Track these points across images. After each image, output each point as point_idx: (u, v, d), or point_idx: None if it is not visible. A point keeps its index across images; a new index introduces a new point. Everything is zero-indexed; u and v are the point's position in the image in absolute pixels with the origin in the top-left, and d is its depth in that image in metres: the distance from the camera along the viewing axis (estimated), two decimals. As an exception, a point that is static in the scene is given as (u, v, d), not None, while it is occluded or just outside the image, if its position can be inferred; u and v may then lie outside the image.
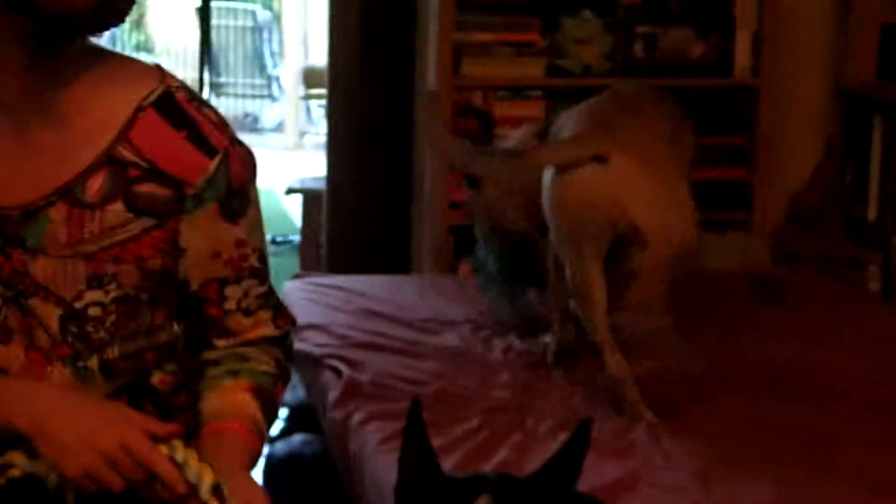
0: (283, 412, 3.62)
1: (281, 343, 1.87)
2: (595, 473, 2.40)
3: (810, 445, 2.75)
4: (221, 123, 1.76)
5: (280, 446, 3.38)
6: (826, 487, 2.49)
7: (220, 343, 1.84)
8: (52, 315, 1.72)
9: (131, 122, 1.70)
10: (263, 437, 1.81)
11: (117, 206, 1.69)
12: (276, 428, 3.58)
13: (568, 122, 3.08)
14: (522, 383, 3.15)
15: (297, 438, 3.42)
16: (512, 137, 3.61)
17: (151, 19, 11.23)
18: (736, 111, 4.39)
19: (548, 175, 2.90)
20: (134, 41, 11.00)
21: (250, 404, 1.78)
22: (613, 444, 2.71)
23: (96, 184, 1.69)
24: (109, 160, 1.69)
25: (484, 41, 4.28)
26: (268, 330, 1.85)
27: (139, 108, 1.70)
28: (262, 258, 1.83)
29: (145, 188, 1.70)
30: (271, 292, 1.86)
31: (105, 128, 1.70)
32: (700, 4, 4.45)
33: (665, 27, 4.40)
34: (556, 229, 2.91)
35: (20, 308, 1.72)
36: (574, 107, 3.23)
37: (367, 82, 4.56)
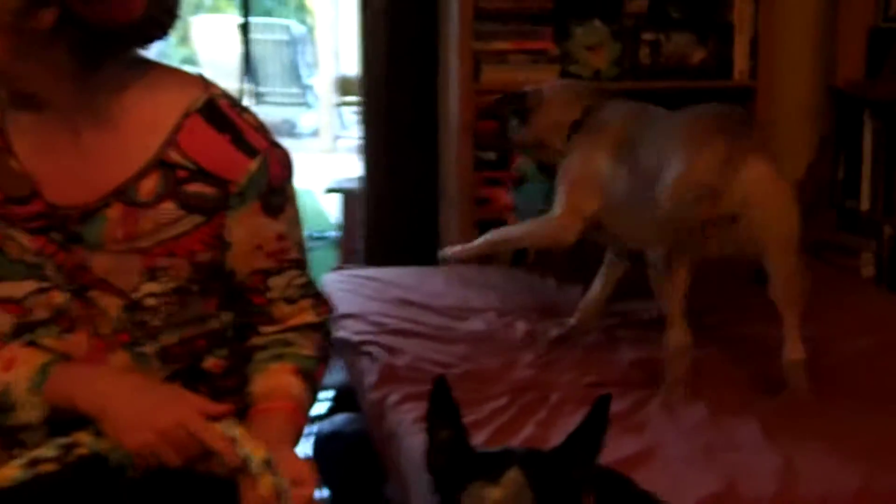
0: (327, 394, 3.64)
1: (321, 329, 1.88)
2: (612, 447, 2.36)
3: (811, 417, 2.74)
4: (261, 127, 1.77)
5: (324, 425, 3.39)
6: (825, 455, 2.48)
7: (266, 329, 1.85)
8: (112, 305, 1.73)
9: (179, 127, 1.71)
10: (307, 415, 1.83)
11: (168, 205, 1.71)
12: (321, 408, 3.59)
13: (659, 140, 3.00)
14: (544, 363, 3.15)
15: (340, 418, 3.44)
16: (549, 94, 3.51)
17: (196, 35, 11.24)
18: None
19: (675, 168, 2.83)
20: (180, 55, 11.02)
21: (295, 385, 1.79)
22: (629, 420, 2.71)
23: (149, 185, 1.70)
24: (160, 163, 1.71)
25: (501, 49, 4.27)
26: (309, 317, 1.86)
27: (186, 114, 1.72)
28: (302, 250, 1.85)
29: (193, 188, 1.71)
30: (311, 282, 1.87)
31: (154, 132, 1.71)
32: (700, 12, 4.42)
33: (668, 34, 4.38)
34: (673, 212, 2.82)
35: (83, 299, 1.73)
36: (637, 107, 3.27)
37: (395, 89, 4.56)
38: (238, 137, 1.73)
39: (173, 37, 11.27)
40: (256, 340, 1.85)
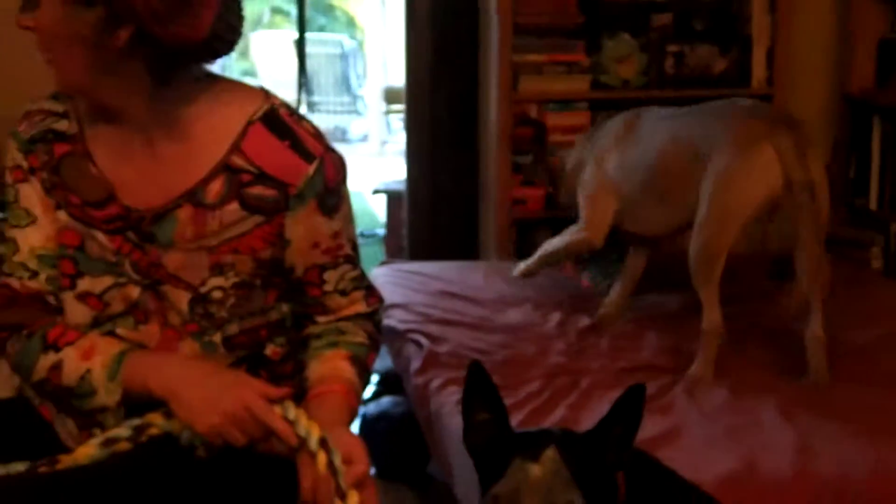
0: (375, 378, 3.63)
1: (372, 318, 1.88)
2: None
3: (827, 399, 2.71)
4: (317, 134, 1.77)
5: (372, 407, 3.39)
6: (840, 435, 2.45)
7: (321, 319, 1.85)
8: (182, 299, 1.74)
9: (243, 134, 1.72)
10: (360, 398, 1.83)
11: (233, 206, 1.71)
12: (369, 391, 3.59)
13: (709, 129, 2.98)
14: (576, 350, 3.14)
15: (387, 400, 3.44)
16: (572, 152, 3.56)
17: (255, 50, 11.29)
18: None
19: (721, 160, 2.83)
20: (240, 68, 11.07)
21: (348, 370, 1.79)
22: (654, 403, 2.68)
23: (215, 188, 1.71)
24: (225, 168, 1.71)
25: (537, 62, 4.25)
26: (360, 307, 1.86)
27: (249, 123, 1.72)
28: (354, 247, 1.84)
29: (255, 190, 1.72)
30: (362, 276, 1.86)
31: (220, 140, 1.72)
32: (721, 25, 4.39)
33: (692, 45, 4.35)
34: (725, 205, 2.82)
35: (155, 293, 1.74)
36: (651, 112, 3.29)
37: (438, 99, 4.56)
38: (296, 144, 1.73)
39: (234, 51, 11.31)
40: (312, 329, 1.85)
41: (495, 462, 1.58)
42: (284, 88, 9.95)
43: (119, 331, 1.74)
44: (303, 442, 1.59)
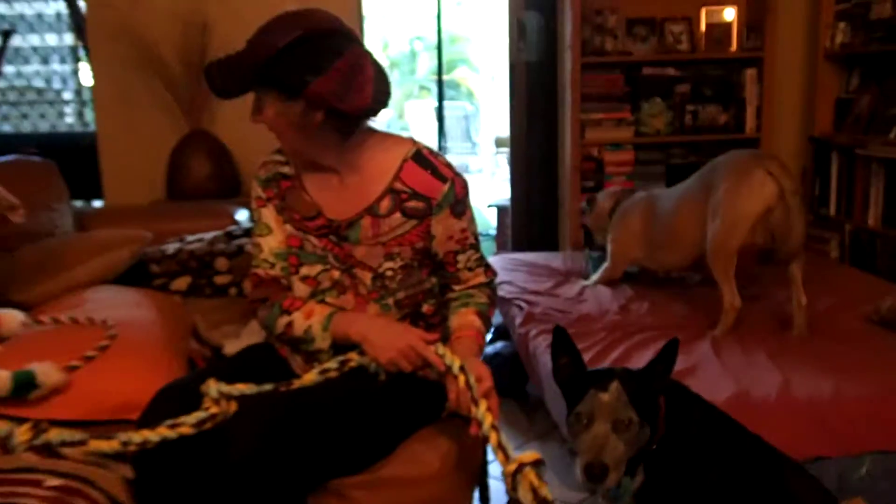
0: (492, 328, 3.63)
1: (490, 286, 1.86)
2: None
3: (801, 349, 2.62)
4: (448, 164, 1.77)
5: (490, 348, 3.38)
6: (811, 373, 2.37)
7: (457, 288, 1.84)
8: (367, 277, 1.75)
9: (400, 168, 1.72)
10: (485, 340, 1.81)
11: (397, 215, 1.72)
12: (487, 337, 3.59)
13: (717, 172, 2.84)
14: (625, 312, 3.07)
15: (500, 344, 3.42)
16: (600, 199, 3.52)
17: (408, 113, 11.35)
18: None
19: (725, 185, 2.73)
20: (399, 126, 11.15)
21: (476, 321, 1.78)
22: (682, 349, 2.58)
23: (385, 204, 1.72)
24: (390, 190, 1.72)
25: (596, 118, 4.19)
26: (482, 278, 1.84)
27: (404, 160, 1.73)
28: (476, 238, 1.83)
29: (411, 203, 1.72)
30: (482, 257, 1.85)
31: (385, 172, 1.72)
32: (724, 92, 4.26)
33: (703, 105, 4.25)
34: (734, 216, 2.70)
35: (350, 274, 1.76)
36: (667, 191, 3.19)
37: (531, 144, 4.54)
38: (435, 171, 1.73)
39: (395, 114, 11.52)
40: (451, 294, 1.84)
41: (576, 391, 1.58)
42: (427, 137, 10.12)
43: (328, 300, 1.77)
44: (448, 368, 1.59)
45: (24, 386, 1.47)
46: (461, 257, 1.80)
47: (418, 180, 1.72)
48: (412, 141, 1.77)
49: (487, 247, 5.65)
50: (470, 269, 1.82)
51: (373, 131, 1.76)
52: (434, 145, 7.20)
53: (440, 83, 5.49)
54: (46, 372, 1.54)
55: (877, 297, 2.91)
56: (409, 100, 11.79)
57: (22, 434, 1.27)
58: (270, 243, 1.80)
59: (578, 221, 4.18)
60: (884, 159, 3.53)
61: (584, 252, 3.77)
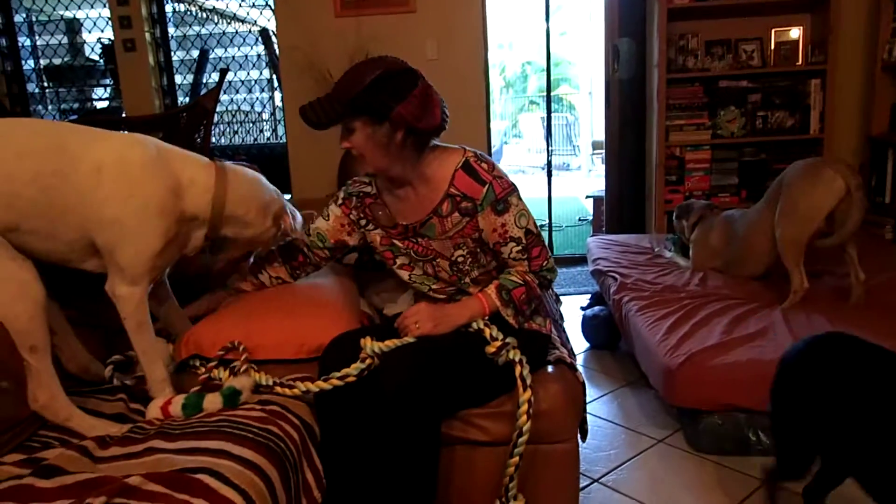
0: (589, 296, 3.54)
1: (538, 274, 1.72)
2: (749, 326, 2.29)
3: (857, 315, 2.44)
4: (489, 170, 1.69)
5: (589, 311, 3.30)
6: (862, 332, 2.19)
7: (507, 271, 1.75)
8: (445, 264, 1.75)
9: (454, 176, 1.68)
10: (493, 305, 1.70)
11: (455, 215, 1.70)
12: (585, 301, 3.52)
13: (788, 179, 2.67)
14: (703, 285, 2.93)
15: (597, 308, 3.33)
16: (688, 212, 3.27)
17: (521, 124, 11.19)
18: (811, 153, 3.89)
19: (796, 183, 2.58)
20: (513, 134, 11.02)
21: (493, 291, 1.70)
22: (757, 315, 2.50)
23: (445, 206, 1.70)
24: (448, 195, 1.69)
25: (680, 123, 4.00)
26: (524, 268, 1.71)
27: (456, 169, 1.68)
28: (526, 233, 1.69)
29: (464, 204, 1.69)
30: (524, 250, 1.70)
31: (443, 181, 1.69)
32: (791, 99, 3.96)
33: (772, 112, 3.97)
34: (808, 211, 2.55)
35: (431, 264, 1.76)
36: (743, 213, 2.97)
37: (624, 146, 4.40)
38: (477, 177, 1.67)
39: (510, 124, 11.39)
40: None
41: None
42: (537, 143, 10.01)
43: (417, 283, 1.80)
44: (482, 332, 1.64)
45: (231, 398, 1.58)
46: (504, 249, 1.70)
47: (466, 185, 1.67)
48: (463, 151, 1.70)
49: (587, 230, 5.53)
50: (515, 259, 1.70)
51: (436, 147, 1.72)
52: (543, 149, 7.11)
53: (549, 99, 5.38)
54: (242, 383, 1.63)
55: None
56: (522, 113, 11.67)
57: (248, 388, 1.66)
58: (321, 225, 1.87)
59: (663, 210, 4.03)
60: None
61: (666, 236, 3.63)
